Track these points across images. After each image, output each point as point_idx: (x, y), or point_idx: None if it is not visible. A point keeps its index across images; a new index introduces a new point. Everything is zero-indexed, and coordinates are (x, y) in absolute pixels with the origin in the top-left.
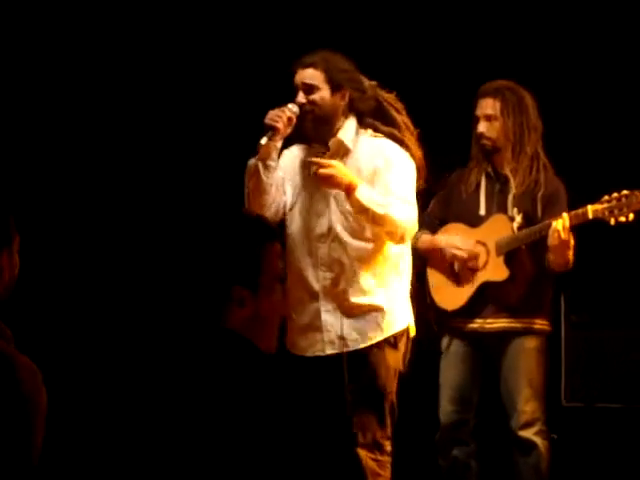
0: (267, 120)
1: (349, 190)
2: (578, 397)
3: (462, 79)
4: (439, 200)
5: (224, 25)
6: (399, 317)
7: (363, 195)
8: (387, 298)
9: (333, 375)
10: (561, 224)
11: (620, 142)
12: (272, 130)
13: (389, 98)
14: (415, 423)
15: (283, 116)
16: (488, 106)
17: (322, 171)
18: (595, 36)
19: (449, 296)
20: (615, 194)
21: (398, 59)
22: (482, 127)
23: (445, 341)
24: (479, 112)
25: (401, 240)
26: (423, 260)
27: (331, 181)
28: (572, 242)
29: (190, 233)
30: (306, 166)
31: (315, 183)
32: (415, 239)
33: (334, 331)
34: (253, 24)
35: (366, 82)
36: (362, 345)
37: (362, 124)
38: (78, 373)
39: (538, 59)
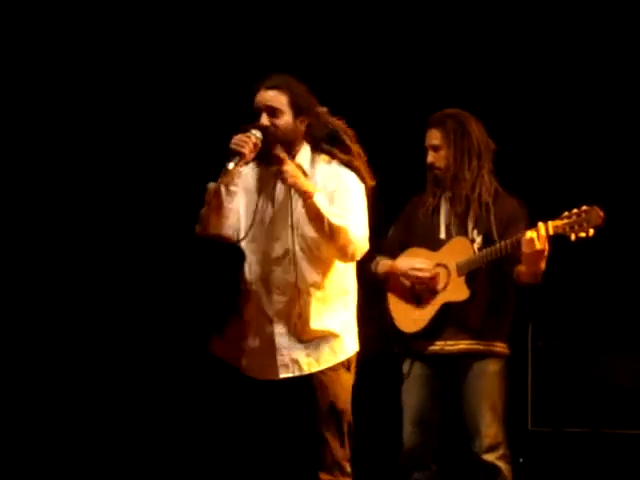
0: (233, 145)
1: (307, 195)
2: (545, 422)
3: (421, 104)
4: (398, 226)
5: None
6: (351, 341)
7: (320, 202)
8: (340, 323)
9: (288, 399)
10: (536, 233)
11: (579, 157)
12: (239, 155)
13: (339, 125)
14: (378, 446)
15: (249, 142)
16: (433, 137)
17: (289, 175)
18: (548, 60)
19: (410, 319)
20: (575, 210)
21: (356, 86)
22: (430, 158)
23: (406, 364)
24: (427, 143)
25: (352, 258)
26: (382, 285)
27: (294, 180)
28: (546, 252)
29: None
30: (262, 188)
31: (277, 180)
32: (375, 264)
33: (287, 355)
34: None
35: (319, 108)
36: (317, 368)
37: (318, 150)
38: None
39: (491, 83)
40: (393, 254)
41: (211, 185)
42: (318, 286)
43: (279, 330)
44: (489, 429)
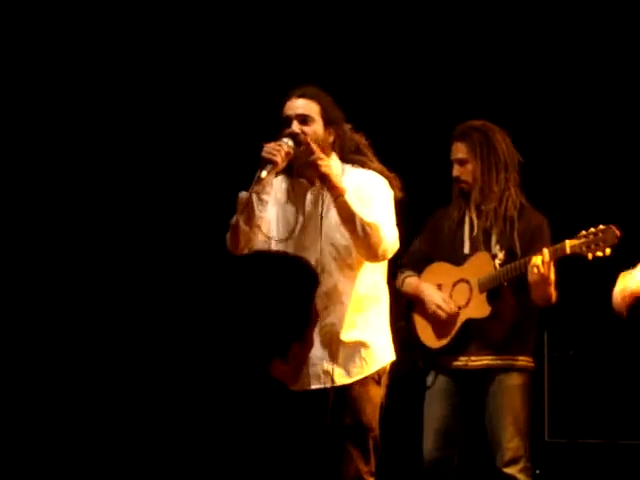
0: (265, 154)
1: (339, 191)
2: (561, 433)
3: (447, 115)
4: (423, 238)
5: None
6: (383, 353)
7: (352, 201)
8: (372, 333)
9: (317, 410)
10: (540, 259)
11: (596, 176)
12: (271, 164)
13: (362, 141)
14: (399, 459)
15: (281, 150)
16: (459, 150)
17: (324, 164)
18: (566, 74)
19: (434, 334)
20: (592, 229)
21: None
22: (456, 171)
23: (430, 377)
24: (452, 157)
25: (382, 257)
26: (408, 302)
27: (328, 171)
28: (553, 277)
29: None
30: (292, 198)
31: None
32: (400, 281)
33: (320, 365)
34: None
35: (345, 124)
36: (348, 381)
37: (348, 161)
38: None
39: (514, 97)
40: (417, 267)
41: (243, 194)
42: (350, 295)
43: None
44: (511, 443)
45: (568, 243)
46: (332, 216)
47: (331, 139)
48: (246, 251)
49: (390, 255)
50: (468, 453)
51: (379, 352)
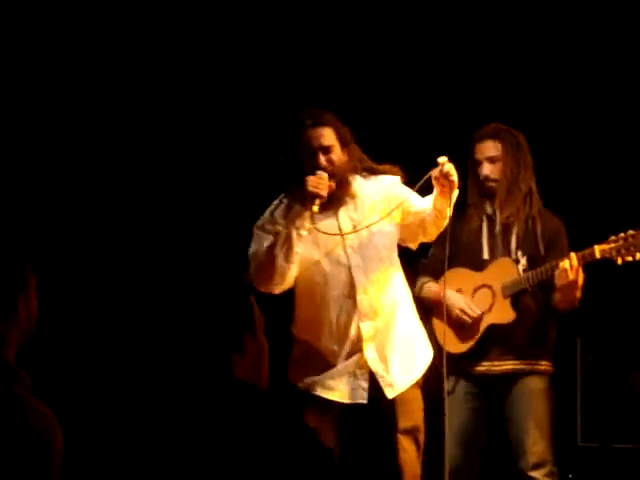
0: (312, 188)
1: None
2: (594, 437)
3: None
4: (440, 244)
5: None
6: (424, 357)
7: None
8: (420, 335)
9: (372, 420)
10: (568, 263)
11: (620, 180)
12: (319, 198)
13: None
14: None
15: (325, 183)
16: (489, 148)
17: (454, 178)
18: (582, 75)
19: (455, 340)
20: (622, 234)
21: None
22: (487, 170)
23: (451, 383)
24: (480, 155)
25: None
26: (427, 305)
27: (454, 184)
28: (580, 281)
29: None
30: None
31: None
32: (418, 288)
33: (382, 378)
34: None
35: None
36: (407, 385)
37: (360, 171)
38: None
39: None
40: (436, 274)
41: (279, 229)
42: (387, 305)
43: (369, 353)
44: (535, 446)
45: (598, 248)
46: (362, 233)
47: (352, 157)
48: (281, 286)
49: None
50: (493, 456)
51: (421, 357)
